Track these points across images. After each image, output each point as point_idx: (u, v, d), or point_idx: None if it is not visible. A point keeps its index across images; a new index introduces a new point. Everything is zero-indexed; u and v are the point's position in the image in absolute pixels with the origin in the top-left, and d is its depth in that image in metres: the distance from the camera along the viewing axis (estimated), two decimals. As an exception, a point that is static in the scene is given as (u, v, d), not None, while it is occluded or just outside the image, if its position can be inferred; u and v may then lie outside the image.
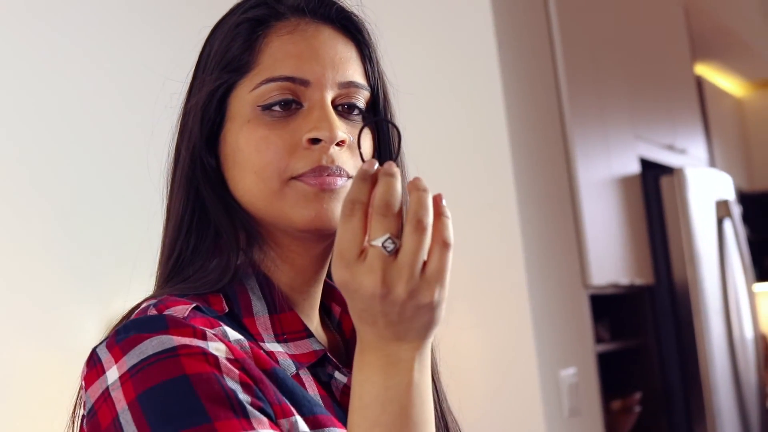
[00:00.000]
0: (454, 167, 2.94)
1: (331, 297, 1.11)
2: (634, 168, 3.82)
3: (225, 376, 0.87)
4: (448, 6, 2.98)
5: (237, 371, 0.89)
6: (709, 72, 5.89)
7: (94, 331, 2.25)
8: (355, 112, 1.01)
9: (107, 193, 2.39)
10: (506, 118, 2.89)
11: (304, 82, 0.98)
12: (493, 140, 2.90)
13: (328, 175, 0.97)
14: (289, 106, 0.98)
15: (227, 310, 0.98)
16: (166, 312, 0.92)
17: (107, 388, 0.88)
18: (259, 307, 0.99)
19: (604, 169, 3.52)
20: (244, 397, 0.87)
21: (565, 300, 3.10)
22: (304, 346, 0.99)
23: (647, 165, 3.98)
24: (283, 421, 0.90)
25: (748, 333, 4.30)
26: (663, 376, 3.77)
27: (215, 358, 0.88)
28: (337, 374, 1.01)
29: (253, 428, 0.85)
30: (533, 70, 3.15)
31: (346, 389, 1.00)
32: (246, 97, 0.99)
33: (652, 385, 3.74)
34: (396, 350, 0.84)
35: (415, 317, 0.83)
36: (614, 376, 3.68)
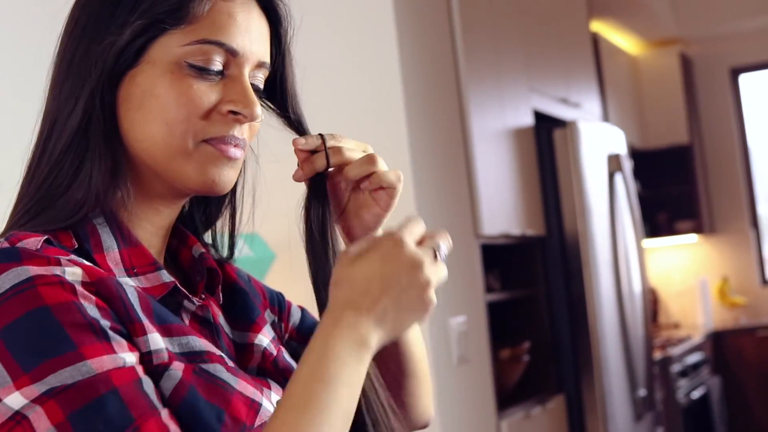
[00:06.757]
0: (348, 114, 2.92)
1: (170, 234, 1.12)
2: (528, 120, 3.85)
3: (83, 302, 0.90)
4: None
5: (93, 297, 0.91)
6: (605, 29, 5.95)
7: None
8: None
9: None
10: (400, 68, 2.88)
11: (234, 53, 1.01)
12: (387, 89, 2.89)
13: (234, 146, 1.01)
14: (211, 69, 1.00)
15: (77, 246, 0.98)
16: (19, 244, 0.93)
17: None
18: (108, 242, 0.99)
19: (497, 120, 3.54)
20: (104, 323, 0.90)
21: (456, 249, 3.09)
22: (155, 279, 1.00)
23: (541, 118, 4.02)
24: (139, 339, 0.92)
25: (637, 286, 4.39)
26: (552, 326, 3.83)
27: (72, 285, 0.90)
28: (186, 303, 1.03)
29: (115, 352, 0.89)
30: (428, 20, 3.13)
31: (195, 316, 1.04)
32: (174, 49, 0.99)
33: (541, 334, 3.80)
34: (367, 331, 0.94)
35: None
36: (504, 325, 3.73)
